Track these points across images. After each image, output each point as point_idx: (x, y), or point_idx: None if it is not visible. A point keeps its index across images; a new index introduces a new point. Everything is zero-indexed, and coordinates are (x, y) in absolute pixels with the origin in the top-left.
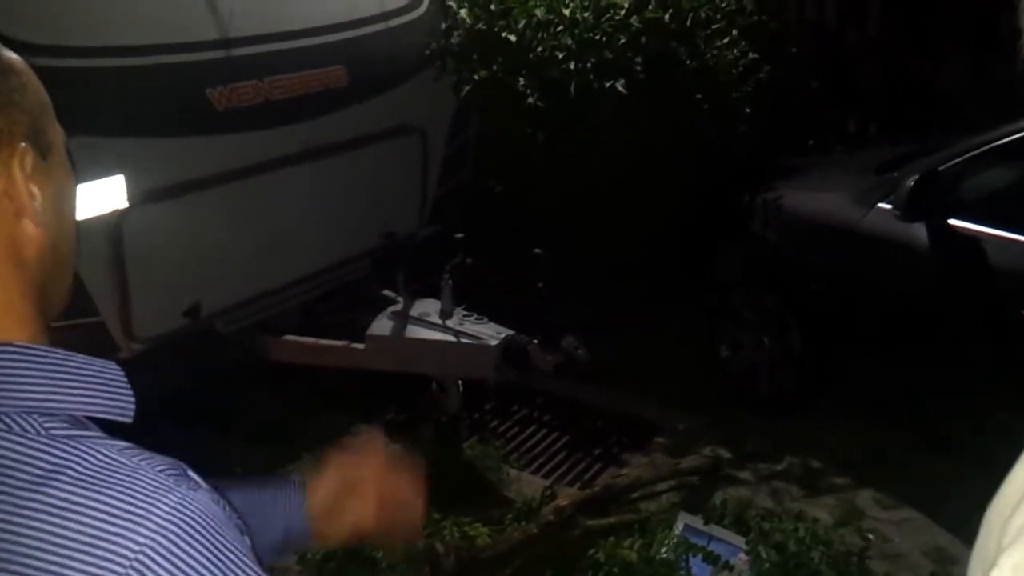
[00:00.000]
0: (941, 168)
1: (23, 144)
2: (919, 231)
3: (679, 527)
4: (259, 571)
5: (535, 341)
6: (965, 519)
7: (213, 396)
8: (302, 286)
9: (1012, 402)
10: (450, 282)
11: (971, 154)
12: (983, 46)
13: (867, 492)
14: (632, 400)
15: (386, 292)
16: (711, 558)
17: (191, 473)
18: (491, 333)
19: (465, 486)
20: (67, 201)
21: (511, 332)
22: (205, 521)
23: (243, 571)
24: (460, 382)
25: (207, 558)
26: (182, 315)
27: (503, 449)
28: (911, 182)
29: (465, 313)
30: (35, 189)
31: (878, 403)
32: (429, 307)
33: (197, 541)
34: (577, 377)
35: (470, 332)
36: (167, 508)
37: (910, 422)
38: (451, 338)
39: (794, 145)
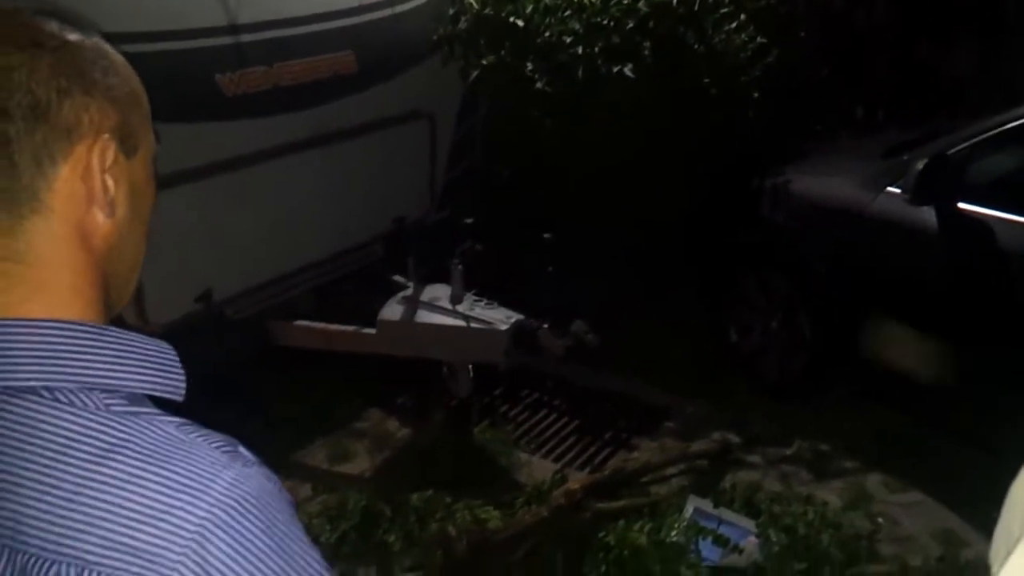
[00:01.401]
0: (950, 152)
1: (106, 136)
2: (928, 215)
3: (689, 510)
4: (311, 547)
5: (545, 326)
6: (974, 502)
7: (225, 381)
8: (312, 272)
9: (1021, 387)
10: (460, 267)
11: (980, 138)
12: (991, 31)
13: (876, 475)
14: (642, 385)
15: (396, 278)
16: (721, 541)
17: (243, 450)
18: (501, 318)
19: (476, 470)
20: (142, 205)
21: (521, 317)
22: (261, 496)
23: (297, 545)
24: (471, 366)
25: (264, 531)
26: (194, 301)
27: (514, 433)
28: (920, 166)
29: (475, 298)
30: (110, 182)
31: (889, 386)
32: (439, 292)
33: (254, 515)
34: (587, 362)
35: (480, 317)
36: (225, 483)
37: (919, 406)
38: (461, 323)
39: (803, 130)
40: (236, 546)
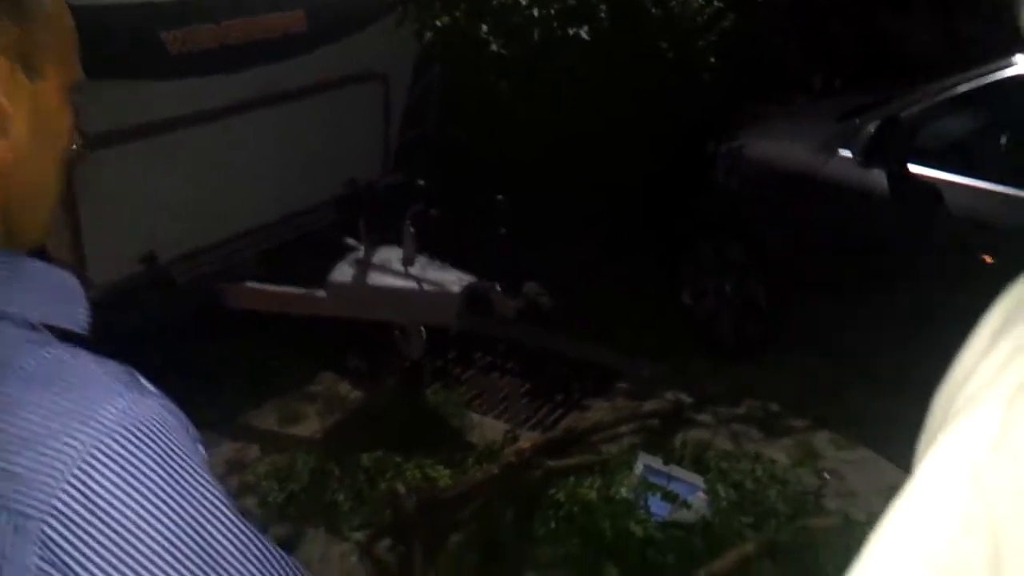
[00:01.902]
0: (902, 115)
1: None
2: (879, 177)
3: (639, 467)
4: (214, 483)
5: (497, 287)
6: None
7: (173, 344)
8: (262, 234)
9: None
10: (412, 229)
11: (932, 101)
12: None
13: (823, 434)
14: (594, 347)
15: (348, 240)
16: (670, 496)
17: (143, 380)
18: (453, 279)
19: (428, 431)
20: (50, 133)
21: (473, 279)
22: (155, 426)
23: (195, 479)
24: (423, 329)
25: (156, 463)
26: (138, 262)
27: (466, 395)
28: (871, 128)
29: (427, 260)
30: (5, 101)
31: (837, 348)
32: (391, 254)
33: (146, 445)
34: (540, 324)
35: (432, 279)
36: (116, 411)
37: (868, 366)
38: (413, 285)
39: (758, 95)
40: (126, 476)
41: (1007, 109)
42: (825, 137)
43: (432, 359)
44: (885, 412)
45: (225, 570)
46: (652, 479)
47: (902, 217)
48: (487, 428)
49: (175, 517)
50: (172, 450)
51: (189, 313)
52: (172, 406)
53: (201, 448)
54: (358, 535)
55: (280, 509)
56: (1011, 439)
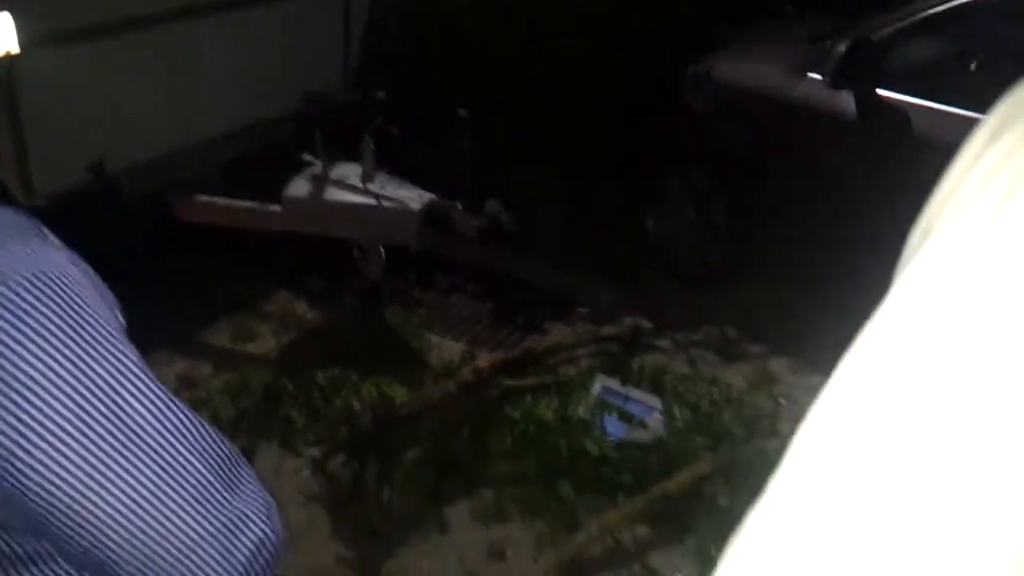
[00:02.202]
0: (872, 37)
1: None
2: (848, 100)
3: (596, 388)
4: (128, 347)
5: (458, 205)
6: None
7: (122, 259)
8: (216, 147)
9: None
10: (372, 145)
11: (902, 24)
12: None
13: (780, 359)
14: (555, 270)
15: (306, 156)
16: (626, 417)
17: (50, 235)
18: (413, 197)
19: (385, 352)
20: None
21: (434, 196)
22: (59, 278)
23: (105, 339)
24: (382, 249)
25: (60, 316)
26: (85, 171)
27: (425, 317)
28: (842, 49)
29: (387, 177)
30: None
31: (798, 274)
32: (349, 170)
33: (47, 296)
34: (501, 247)
35: (392, 196)
36: (11, 259)
37: (829, 293)
38: (371, 201)
39: (727, 17)
40: (20, 325)
41: (977, 33)
42: (795, 59)
43: (391, 280)
44: (844, 339)
45: (139, 436)
46: (609, 400)
47: (870, 141)
48: (445, 349)
49: (81, 376)
50: (78, 305)
51: (139, 226)
52: (83, 263)
53: (119, 315)
54: (312, 451)
55: (232, 424)
56: (997, 254)
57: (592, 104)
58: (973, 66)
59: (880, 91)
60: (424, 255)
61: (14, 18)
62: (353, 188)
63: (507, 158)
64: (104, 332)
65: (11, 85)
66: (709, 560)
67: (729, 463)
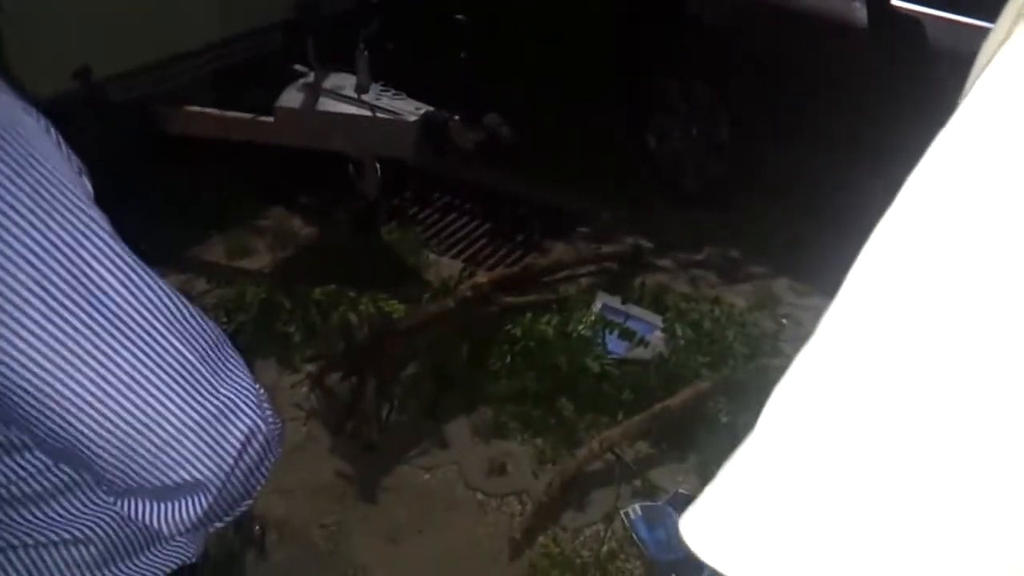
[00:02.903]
0: None
1: None
2: (859, 10)
3: (597, 305)
4: (92, 210)
5: (456, 117)
6: None
7: (111, 170)
8: (206, 55)
9: None
10: (366, 54)
11: None
12: None
13: (783, 279)
14: (556, 188)
15: (298, 67)
16: (627, 334)
17: (5, 95)
18: (410, 109)
19: (383, 269)
20: None
21: (431, 108)
22: (10, 129)
23: (65, 198)
24: (378, 166)
25: (13, 169)
26: (71, 76)
27: (423, 235)
28: None
29: (382, 88)
30: None
31: (802, 193)
32: (344, 81)
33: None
34: (500, 164)
35: (387, 107)
36: None
37: (832, 212)
38: (366, 112)
39: None
40: None
41: None
42: None
43: (388, 197)
44: (848, 259)
45: (109, 309)
46: (610, 317)
47: (882, 54)
48: (444, 267)
49: (39, 237)
50: (32, 158)
51: (127, 136)
52: (41, 117)
53: (87, 180)
54: (309, 366)
55: (229, 340)
56: None
57: (596, 15)
58: None
59: (894, 1)
60: (421, 173)
61: None
62: (347, 99)
63: (507, 70)
64: (66, 191)
65: None
66: (710, 476)
67: (731, 381)
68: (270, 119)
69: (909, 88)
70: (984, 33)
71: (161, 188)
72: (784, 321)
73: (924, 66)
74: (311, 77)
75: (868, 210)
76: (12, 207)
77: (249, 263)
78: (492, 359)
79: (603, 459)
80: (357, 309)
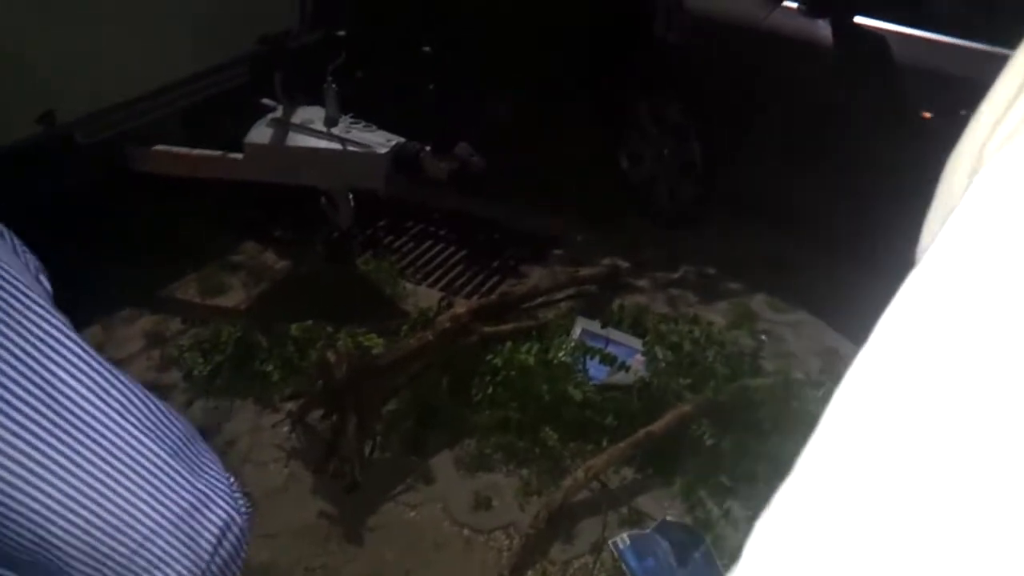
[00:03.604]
0: None
1: None
2: (824, 28)
3: (577, 331)
4: (54, 314)
5: (427, 148)
6: (854, 320)
7: (80, 213)
8: (172, 93)
9: (908, 206)
10: (334, 86)
11: None
12: None
13: (761, 296)
14: (530, 212)
15: (265, 101)
16: (608, 359)
17: None
18: (380, 141)
19: (360, 301)
20: None
21: (402, 139)
22: None
23: (25, 306)
24: (351, 196)
25: None
26: (36, 122)
27: (398, 264)
28: None
29: (352, 120)
30: None
31: (774, 210)
32: (313, 114)
33: None
34: (473, 189)
35: (358, 140)
36: None
37: (805, 228)
38: (337, 146)
39: None
40: None
41: None
42: None
43: (362, 227)
44: (822, 274)
45: (76, 415)
46: (590, 342)
47: (848, 71)
48: (421, 296)
49: (3, 353)
50: None
51: (95, 179)
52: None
53: (44, 281)
54: (289, 405)
55: (207, 382)
56: None
57: (563, 39)
58: None
59: (857, 18)
60: (395, 202)
61: None
62: (317, 133)
63: (476, 97)
64: (22, 295)
65: None
66: (697, 501)
67: (713, 403)
68: (240, 156)
69: (875, 104)
70: (948, 49)
71: (133, 227)
72: (763, 338)
73: (889, 82)
74: (280, 112)
75: (839, 225)
76: None
77: (224, 300)
78: (474, 390)
79: (589, 488)
80: (335, 345)
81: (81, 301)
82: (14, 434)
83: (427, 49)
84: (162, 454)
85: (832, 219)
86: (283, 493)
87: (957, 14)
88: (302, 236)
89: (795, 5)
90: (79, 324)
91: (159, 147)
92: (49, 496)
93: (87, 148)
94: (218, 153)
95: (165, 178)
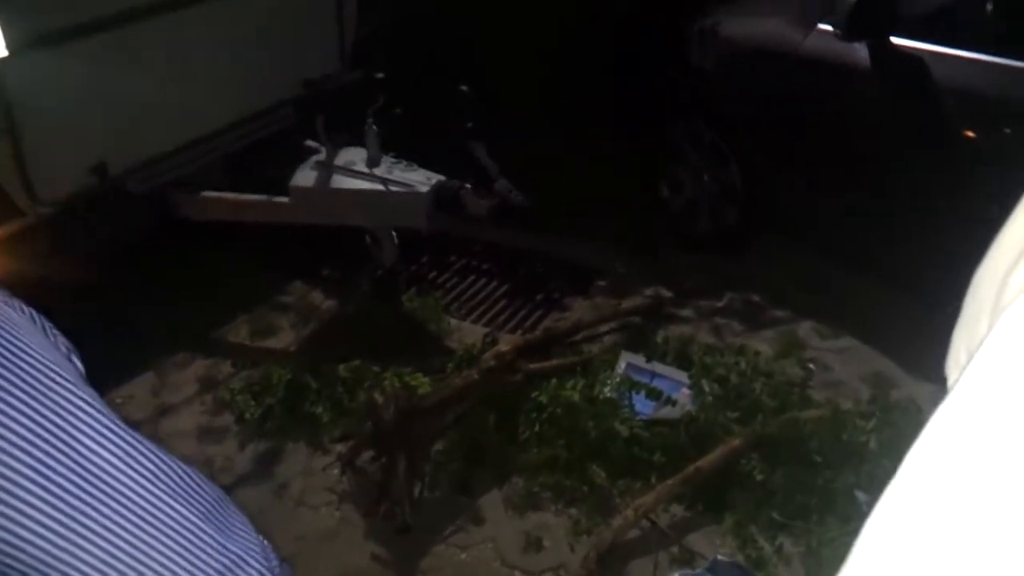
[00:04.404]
0: None
1: None
2: (861, 51)
3: (621, 366)
4: (82, 388)
5: (467, 185)
6: (901, 344)
7: (134, 259)
8: (218, 140)
9: (951, 228)
10: (375, 128)
11: None
12: None
13: (807, 323)
14: (571, 244)
15: (309, 143)
16: (654, 394)
17: None
18: (421, 179)
19: (405, 338)
20: None
21: (442, 177)
22: None
23: (55, 382)
24: (395, 234)
25: (3, 365)
26: (89, 174)
27: (443, 300)
28: None
29: (393, 160)
30: None
31: (817, 234)
32: (355, 156)
33: None
34: (515, 223)
35: (399, 179)
36: None
37: (850, 252)
38: (379, 186)
39: None
40: None
41: None
42: (804, 10)
43: (406, 264)
44: (868, 298)
45: (105, 482)
46: (635, 377)
47: (885, 92)
48: (466, 332)
49: (34, 427)
50: (17, 349)
51: (148, 226)
52: (23, 305)
53: (76, 361)
54: (340, 447)
55: (258, 424)
56: None
57: (598, 69)
58: (990, 7)
59: (894, 39)
60: (438, 237)
61: (0, 22)
62: (359, 174)
63: (515, 132)
64: (54, 376)
65: (3, 91)
66: (749, 538)
67: (761, 436)
68: (286, 200)
69: (916, 125)
70: (988, 68)
71: (184, 272)
72: (811, 366)
73: (929, 102)
74: (323, 154)
75: (883, 248)
76: (3, 400)
77: (274, 342)
78: (520, 428)
79: (639, 526)
80: (382, 385)
81: (135, 346)
82: (51, 505)
83: (464, 89)
84: (193, 518)
85: (874, 242)
86: (335, 537)
87: (996, 32)
88: (348, 274)
89: (830, 28)
90: (134, 369)
91: (207, 193)
92: (85, 563)
93: (138, 197)
94: (264, 197)
95: (212, 223)
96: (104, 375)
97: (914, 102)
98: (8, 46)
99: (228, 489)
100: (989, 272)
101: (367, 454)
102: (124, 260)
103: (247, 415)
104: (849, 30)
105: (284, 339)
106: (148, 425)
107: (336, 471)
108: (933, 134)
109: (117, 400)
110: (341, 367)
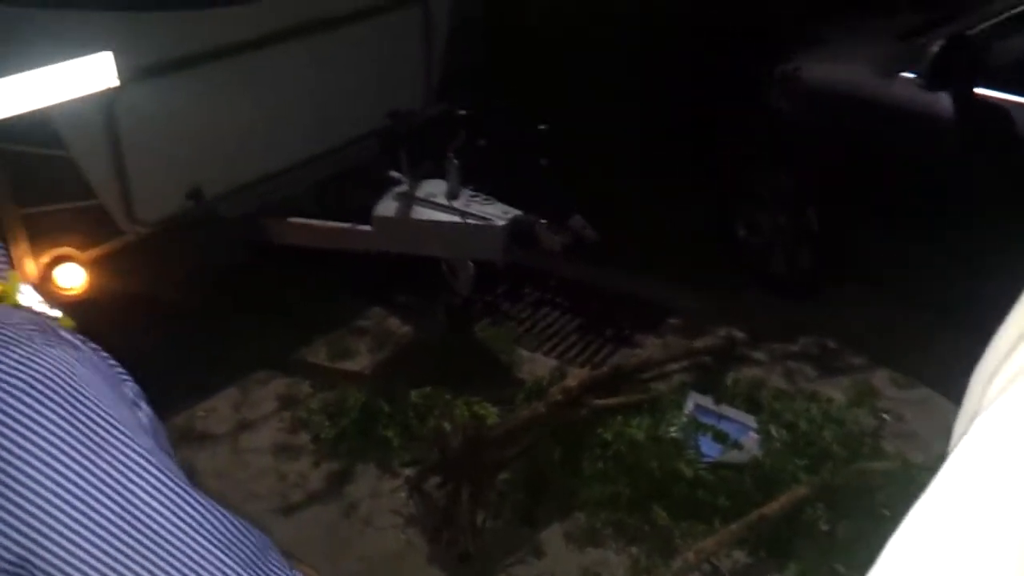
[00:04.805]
0: (968, 33)
1: None
2: (944, 101)
3: (689, 406)
4: (137, 440)
5: (542, 221)
6: None
7: (223, 281)
8: (306, 168)
9: None
10: (456, 162)
11: (1001, 17)
12: None
13: (883, 371)
14: (645, 281)
15: (392, 174)
16: (720, 437)
17: (64, 333)
18: (498, 213)
19: (477, 367)
20: None
21: (519, 212)
22: (60, 377)
23: (112, 435)
24: (472, 265)
25: (62, 418)
26: (185, 198)
27: (515, 331)
28: (936, 48)
29: (472, 193)
30: None
31: (896, 281)
32: (435, 188)
33: (48, 397)
34: (590, 258)
35: (477, 212)
36: (10, 363)
37: (929, 300)
38: (457, 219)
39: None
40: (23, 431)
41: None
42: (886, 58)
43: (481, 294)
44: (947, 348)
45: (152, 529)
46: (702, 418)
47: (968, 143)
48: (537, 364)
49: (89, 476)
50: (81, 403)
51: (237, 249)
52: (94, 357)
53: (144, 405)
54: (408, 471)
55: (333, 445)
56: None
57: (676, 110)
58: None
59: (978, 90)
60: (513, 268)
61: (114, 55)
62: (439, 206)
63: (590, 169)
64: (111, 427)
65: (112, 118)
66: None
67: (829, 485)
68: (368, 228)
69: (997, 175)
70: None
71: (268, 294)
72: (885, 416)
73: (1012, 153)
74: (405, 185)
75: (964, 296)
76: (65, 454)
77: (351, 364)
78: (584, 464)
79: (699, 570)
80: (452, 413)
81: (221, 361)
82: (102, 551)
83: (542, 127)
84: (233, 565)
85: (956, 292)
86: (400, 559)
87: None
88: (424, 302)
89: (913, 77)
90: (218, 384)
91: (293, 219)
92: None
93: (229, 221)
94: (348, 225)
95: (297, 247)
96: (189, 388)
97: (997, 152)
98: (119, 77)
99: (299, 506)
100: (980, 373)
101: (434, 480)
102: (214, 280)
103: (322, 435)
104: (931, 80)
105: (360, 362)
106: (227, 438)
107: (403, 494)
108: (1017, 184)
109: (200, 413)
110: (413, 393)
